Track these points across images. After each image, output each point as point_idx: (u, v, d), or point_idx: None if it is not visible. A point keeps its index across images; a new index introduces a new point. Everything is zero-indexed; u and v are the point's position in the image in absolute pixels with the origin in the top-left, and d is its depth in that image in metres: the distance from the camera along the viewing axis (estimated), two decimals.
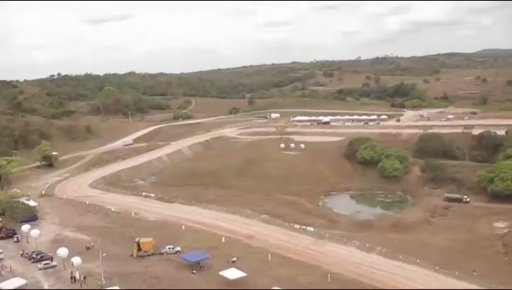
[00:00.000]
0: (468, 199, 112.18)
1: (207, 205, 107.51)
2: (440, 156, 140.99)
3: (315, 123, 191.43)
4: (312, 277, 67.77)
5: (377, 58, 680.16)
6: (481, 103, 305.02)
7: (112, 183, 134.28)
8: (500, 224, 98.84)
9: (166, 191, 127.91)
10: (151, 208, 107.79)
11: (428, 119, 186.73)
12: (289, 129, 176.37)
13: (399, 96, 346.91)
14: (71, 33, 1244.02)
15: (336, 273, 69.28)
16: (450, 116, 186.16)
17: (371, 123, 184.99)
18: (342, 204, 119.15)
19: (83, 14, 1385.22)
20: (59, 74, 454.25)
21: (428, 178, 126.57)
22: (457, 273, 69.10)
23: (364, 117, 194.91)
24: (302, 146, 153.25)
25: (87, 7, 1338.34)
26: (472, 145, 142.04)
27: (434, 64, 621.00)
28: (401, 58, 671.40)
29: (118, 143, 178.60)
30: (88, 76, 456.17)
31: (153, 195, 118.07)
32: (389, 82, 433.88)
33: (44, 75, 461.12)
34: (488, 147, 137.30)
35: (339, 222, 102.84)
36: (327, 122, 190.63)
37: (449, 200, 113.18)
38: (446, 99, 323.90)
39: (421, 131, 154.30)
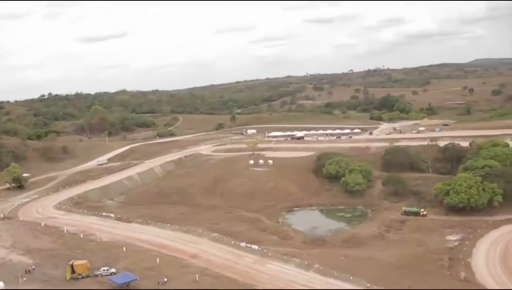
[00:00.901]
0: (425, 212, 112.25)
1: (163, 225, 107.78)
2: (406, 169, 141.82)
3: (289, 139, 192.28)
4: None
5: (368, 71, 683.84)
6: (464, 113, 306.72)
7: (79, 204, 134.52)
8: (453, 237, 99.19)
9: (131, 210, 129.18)
10: (107, 228, 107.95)
11: (400, 132, 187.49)
12: (261, 145, 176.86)
13: (386, 109, 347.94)
14: (66, 52, 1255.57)
15: None
16: (421, 128, 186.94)
17: (343, 137, 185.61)
18: (302, 220, 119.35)
19: (78, 32, 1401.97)
20: (50, 94, 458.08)
21: (390, 192, 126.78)
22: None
23: (337, 131, 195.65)
24: (270, 162, 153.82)
25: (82, 26, 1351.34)
26: (437, 157, 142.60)
27: (425, 75, 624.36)
28: (393, 70, 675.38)
29: (92, 163, 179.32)
30: (78, 96, 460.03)
31: (112, 215, 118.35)
32: (377, 94, 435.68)
33: (36, 95, 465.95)
34: (451, 159, 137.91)
35: (292, 239, 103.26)
36: (301, 138, 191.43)
37: (407, 213, 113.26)
38: (430, 111, 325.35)
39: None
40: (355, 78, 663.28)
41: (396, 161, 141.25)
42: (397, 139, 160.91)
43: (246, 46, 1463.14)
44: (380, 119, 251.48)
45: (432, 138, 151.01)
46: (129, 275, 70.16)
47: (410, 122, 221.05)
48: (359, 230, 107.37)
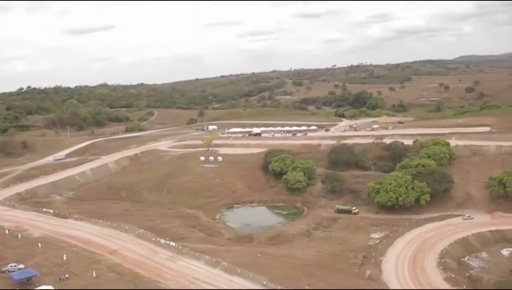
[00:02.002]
0: (356, 211, 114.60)
1: (96, 221, 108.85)
2: (352, 167, 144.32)
3: (246, 135, 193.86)
4: None
5: (351, 66, 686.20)
6: (435, 110, 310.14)
7: (25, 199, 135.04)
8: (377, 235, 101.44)
9: (75, 206, 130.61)
10: (42, 224, 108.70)
11: (355, 129, 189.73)
12: (218, 142, 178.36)
13: (359, 105, 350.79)
14: (52, 44, 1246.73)
15: (164, 288, 71.52)
16: (375, 126, 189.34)
17: (299, 134, 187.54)
18: (238, 217, 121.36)
19: (64, 25, 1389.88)
20: (28, 87, 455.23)
21: (329, 190, 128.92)
22: (278, 286, 71.18)
23: (294, 128, 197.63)
24: (220, 158, 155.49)
25: (67, 18, 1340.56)
26: (381, 155, 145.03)
27: (407, 72, 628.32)
28: (375, 66, 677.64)
29: (50, 158, 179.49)
30: (57, 89, 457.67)
31: (51, 211, 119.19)
32: (356, 90, 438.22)
33: (16, 88, 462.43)
34: (394, 157, 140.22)
35: (219, 236, 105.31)
36: (258, 134, 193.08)
37: (340, 211, 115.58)
38: (402, 107, 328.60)
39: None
40: (338, 73, 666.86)
41: (341, 158, 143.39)
42: (345, 137, 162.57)
43: (234, 40, 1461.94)
44: (342, 116, 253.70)
45: (378, 137, 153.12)
46: (29, 271, 71.66)
47: (369, 120, 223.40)
48: (288, 228, 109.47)
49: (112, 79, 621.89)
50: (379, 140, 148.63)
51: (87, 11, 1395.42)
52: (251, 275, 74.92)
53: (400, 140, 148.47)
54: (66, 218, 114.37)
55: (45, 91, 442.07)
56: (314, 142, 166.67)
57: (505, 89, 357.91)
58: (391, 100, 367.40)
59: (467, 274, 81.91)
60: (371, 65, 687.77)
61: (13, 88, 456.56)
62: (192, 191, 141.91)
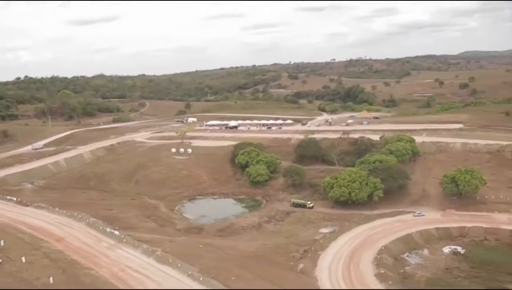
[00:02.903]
0: (311, 205, 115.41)
1: (53, 209, 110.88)
2: (318, 161, 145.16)
3: (223, 128, 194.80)
4: (65, 277, 71.46)
5: (350, 61, 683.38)
6: (424, 106, 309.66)
7: None
8: (325, 230, 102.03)
9: (42, 195, 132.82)
10: (1, 211, 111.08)
11: (330, 124, 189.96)
12: (192, 134, 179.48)
13: (350, 99, 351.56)
14: (55, 34, 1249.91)
15: (94, 274, 73.37)
16: (350, 121, 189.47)
17: (274, 128, 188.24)
18: (197, 209, 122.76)
19: (67, 15, 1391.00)
20: (26, 76, 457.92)
21: (290, 184, 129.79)
22: (205, 277, 72.53)
23: (271, 122, 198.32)
24: (189, 150, 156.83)
25: (71, 9, 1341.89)
26: (348, 150, 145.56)
27: (407, 67, 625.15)
28: (375, 60, 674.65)
29: (28, 148, 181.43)
30: (54, 79, 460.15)
31: (14, 199, 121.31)
32: (350, 84, 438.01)
33: (13, 77, 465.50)
34: (360, 152, 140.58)
35: (170, 226, 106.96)
36: (234, 127, 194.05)
37: (295, 205, 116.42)
38: (391, 103, 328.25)
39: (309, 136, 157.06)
40: (337, 67, 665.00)
41: (308, 153, 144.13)
42: (314, 132, 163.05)
43: (237, 33, 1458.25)
44: (323, 110, 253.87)
45: (345, 132, 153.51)
46: None
47: (347, 114, 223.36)
48: (240, 220, 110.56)
49: (113, 70, 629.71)
50: (345, 136, 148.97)
51: (91, 2, 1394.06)
52: (179, 265, 76.52)
53: (368, 136, 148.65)
54: (27, 206, 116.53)
55: (41, 81, 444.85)
56: (286, 136, 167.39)
57: (498, 86, 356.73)
58: (383, 96, 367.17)
59: (402, 271, 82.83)
60: (370, 59, 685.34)
61: (11, 77, 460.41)
62: (159, 182, 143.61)
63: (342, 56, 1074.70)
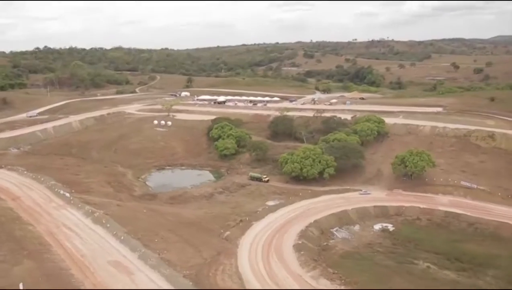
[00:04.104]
0: (267, 179, 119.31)
1: (22, 171, 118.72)
2: (291, 138, 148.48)
3: (212, 103, 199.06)
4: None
5: (372, 41, 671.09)
6: (431, 89, 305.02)
7: None
8: (271, 203, 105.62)
9: (23, 159, 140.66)
10: None
11: (314, 103, 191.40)
12: (179, 108, 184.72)
13: (358, 80, 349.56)
14: (85, 6, 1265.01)
15: (30, 230, 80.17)
16: (334, 100, 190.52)
17: (259, 104, 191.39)
18: (161, 178, 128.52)
19: None
20: (45, 46, 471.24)
21: (254, 158, 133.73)
22: (128, 237, 78.25)
23: (259, 98, 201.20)
24: (169, 123, 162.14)
25: None
26: (319, 128, 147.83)
27: (429, 49, 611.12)
28: (397, 42, 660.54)
29: (23, 115, 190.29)
30: (71, 50, 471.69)
31: None
32: (365, 65, 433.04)
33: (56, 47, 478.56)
34: (330, 131, 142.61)
35: (127, 192, 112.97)
36: (222, 102, 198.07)
37: (252, 178, 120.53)
38: (398, 85, 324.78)
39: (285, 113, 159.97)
40: (358, 47, 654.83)
41: (279, 129, 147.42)
42: (289, 109, 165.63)
43: (266, 10, 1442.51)
44: (317, 89, 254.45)
45: (318, 111, 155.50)
46: None
47: (337, 94, 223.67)
48: (194, 190, 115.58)
49: (138, 43, 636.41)
50: (318, 114, 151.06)
51: None
52: (108, 225, 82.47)
53: (340, 115, 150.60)
54: (1, 167, 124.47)
55: (59, 52, 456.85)
56: (266, 113, 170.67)
57: (511, 72, 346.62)
58: (392, 78, 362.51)
59: (324, 243, 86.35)
60: (392, 40, 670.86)
61: (30, 47, 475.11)
62: (135, 151, 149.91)
63: (368, 36, 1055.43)
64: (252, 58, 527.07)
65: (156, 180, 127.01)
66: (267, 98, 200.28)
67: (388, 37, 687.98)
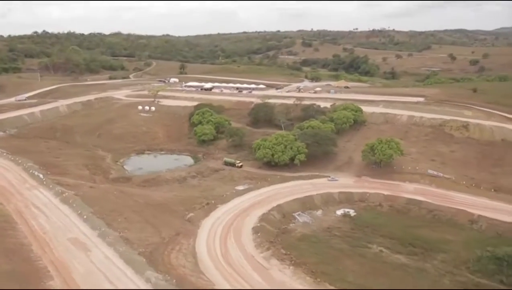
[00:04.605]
0: (240, 164, 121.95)
1: (2, 153, 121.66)
2: (271, 125, 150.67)
3: (199, 89, 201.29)
4: None
5: (373, 31, 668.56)
6: (423, 80, 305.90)
7: None
8: (241, 187, 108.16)
9: (7, 141, 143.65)
10: None
11: (299, 91, 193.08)
12: (166, 93, 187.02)
13: (353, 69, 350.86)
14: None
15: (1, 208, 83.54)
16: (318, 89, 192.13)
17: (244, 91, 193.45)
18: (140, 162, 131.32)
19: None
20: (43, 31, 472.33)
21: (231, 144, 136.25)
22: (92, 216, 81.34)
23: (245, 86, 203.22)
24: (153, 108, 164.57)
25: None
26: (299, 116, 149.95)
27: (430, 40, 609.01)
28: (398, 32, 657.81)
29: (12, 99, 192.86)
30: (69, 35, 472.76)
31: None
32: (362, 55, 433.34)
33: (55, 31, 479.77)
34: (308, 118, 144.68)
35: (102, 175, 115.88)
36: (208, 89, 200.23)
37: (226, 164, 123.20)
38: (391, 75, 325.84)
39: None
40: (358, 37, 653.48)
41: (259, 116, 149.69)
42: (270, 97, 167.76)
43: None
44: (306, 77, 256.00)
45: (298, 98, 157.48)
46: None
47: (323, 83, 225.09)
48: (168, 173, 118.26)
49: (140, 29, 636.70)
50: (298, 102, 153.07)
51: None
52: (74, 205, 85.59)
53: (320, 103, 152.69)
54: None
55: (57, 36, 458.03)
56: (249, 100, 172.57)
57: (507, 64, 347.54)
58: (387, 68, 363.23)
59: (284, 227, 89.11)
60: (393, 30, 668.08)
61: (29, 32, 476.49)
62: (118, 136, 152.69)
63: (372, 26, 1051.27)
64: (250, 46, 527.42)
65: (134, 163, 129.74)
66: (253, 86, 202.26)
67: (389, 27, 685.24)
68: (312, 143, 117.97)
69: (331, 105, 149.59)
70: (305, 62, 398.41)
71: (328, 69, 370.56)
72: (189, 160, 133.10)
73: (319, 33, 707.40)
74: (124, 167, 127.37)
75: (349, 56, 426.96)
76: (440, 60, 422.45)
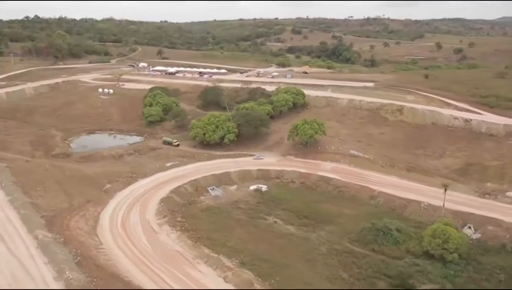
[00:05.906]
0: (177, 143, 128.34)
1: None
2: (220, 107, 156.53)
3: (164, 74, 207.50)
4: None
5: (368, 19, 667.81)
6: (402, 68, 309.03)
7: None
8: (168, 163, 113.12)
9: None
10: None
11: (258, 75, 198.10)
12: (129, 77, 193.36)
13: (335, 56, 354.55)
14: None
15: None
16: (275, 74, 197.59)
17: (205, 76, 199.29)
18: (86, 140, 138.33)
19: None
20: (35, 16, 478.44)
21: (176, 125, 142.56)
22: (12, 185, 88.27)
23: (208, 70, 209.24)
24: (111, 91, 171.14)
25: None
26: (245, 99, 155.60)
27: (424, 28, 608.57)
28: (392, 20, 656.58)
29: None
30: (61, 20, 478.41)
31: None
32: (350, 42, 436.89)
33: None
34: (254, 101, 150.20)
35: (45, 151, 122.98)
36: (172, 73, 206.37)
37: (165, 143, 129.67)
38: (371, 62, 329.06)
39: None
40: (352, 25, 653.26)
41: (207, 99, 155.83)
42: (222, 80, 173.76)
43: None
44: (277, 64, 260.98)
45: (245, 82, 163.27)
46: None
47: (286, 69, 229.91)
48: (106, 151, 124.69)
49: (135, 15, 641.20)
50: (245, 86, 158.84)
51: None
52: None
53: (265, 86, 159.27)
54: None
55: (47, 21, 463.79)
56: (204, 83, 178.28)
57: (489, 53, 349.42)
58: (367, 55, 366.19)
59: (193, 199, 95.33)
60: (388, 19, 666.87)
61: (20, 16, 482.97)
62: (76, 117, 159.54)
63: (369, 14, 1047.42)
64: (241, 33, 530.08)
65: (81, 142, 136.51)
66: (215, 70, 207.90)
67: (384, 15, 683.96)
68: (244, 124, 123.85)
69: (276, 89, 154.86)
70: (290, 50, 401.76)
71: (311, 56, 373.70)
72: (134, 139, 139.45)
73: (314, 21, 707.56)
74: (70, 145, 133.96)
75: (334, 44, 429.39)
76: (427, 48, 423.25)
